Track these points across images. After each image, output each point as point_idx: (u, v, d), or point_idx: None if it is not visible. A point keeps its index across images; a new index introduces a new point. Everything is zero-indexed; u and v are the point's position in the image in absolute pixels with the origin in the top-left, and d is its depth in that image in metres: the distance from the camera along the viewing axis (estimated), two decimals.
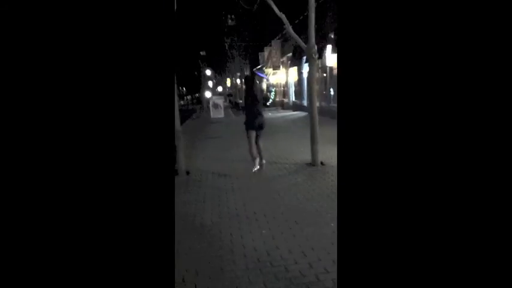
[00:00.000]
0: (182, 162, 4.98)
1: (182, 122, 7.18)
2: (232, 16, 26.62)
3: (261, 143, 4.96)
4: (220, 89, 36.42)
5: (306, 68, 16.25)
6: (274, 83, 22.01)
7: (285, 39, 18.51)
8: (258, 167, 4.94)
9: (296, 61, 16.31)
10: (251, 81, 4.92)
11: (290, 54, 17.44)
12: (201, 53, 25.01)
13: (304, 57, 14.48)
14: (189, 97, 44.03)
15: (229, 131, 10.25)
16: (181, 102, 29.56)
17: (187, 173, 5.01)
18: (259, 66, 24.33)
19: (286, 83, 19.51)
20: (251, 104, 4.73)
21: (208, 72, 32.16)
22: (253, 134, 4.76)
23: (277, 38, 19.74)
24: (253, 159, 4.89)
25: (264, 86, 23.17)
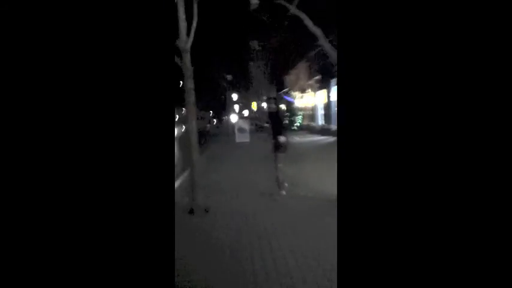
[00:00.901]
0: (199, 197, 4.35)
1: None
2: (258, 42, 26.76)
3: (281, 168, 4.84)
4: (246, 112, 36.41)
5: (335, 91, 15.61)
6: (301, 106, 21.45)
7: (312, 61, 18.06)
8: (283, 191, 4.85)
9: (325, 84, 15.73)
10: (274, 104, 5.17)
11: (318, 77, 16.91)
12: (227, 76, 25.02)
13: (334, 80, 13.87)
14: (215, 120, 44.43)
15: (255, 156, 9.68)
16: (208, 125, 29.49)
17: (206, 211, 4.33)
18: (285, 90, 23.99)
19: (314, 106, 18.89)
20: (278, 125, 4.82)
21: (234, 96, 32.27)
22: (275, 156, 4.80)
23: (304, 60, 19.38)
24: (279, 182, 4.88)
25: (283, 107, 22.62)
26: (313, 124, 18.89)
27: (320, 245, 3.03)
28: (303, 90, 20.16)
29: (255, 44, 26.52)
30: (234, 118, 21.58)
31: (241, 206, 4.54)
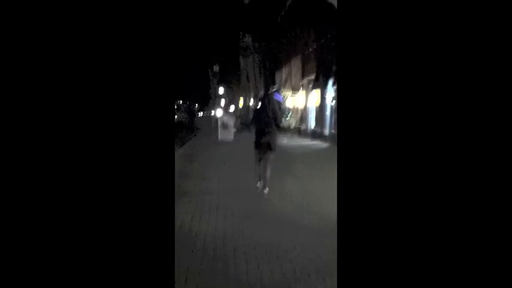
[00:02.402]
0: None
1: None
2: (248, 35, 25.37)
3: (269, 169, 4.50)
4: (232, 108, 34.90)
5: (331, 92, 14.35)
6: (291, 107, 20.16)
7: (308, 59, 16.79)
8: (260, 186, 4.58)
9: (319, 84, 14.46)
10: (269, 98, 4.56)
11: (312, 77, 15.64)
12: (214, 67, 23.33)
13: (331, 80, 12.60)
14: (200, 114, 42.62)
15: (239, 160, 8.26)
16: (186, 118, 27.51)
17: None
18: (275, 87, 22.67)
19: (305, 107, 17.62)
20: (263, 121, 4.43)
21: (221, 90, 30.74)
22: (256, 153, 4.58)
23: (298, 57, 18.10)
24: (256, 175, 4.69)
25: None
26: (303, 127, 17.63)
27: None
28: (294, 89, 18.86)
29: (248, 39, 25.19)
30: (219, 113, 20.01)
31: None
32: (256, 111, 4.67)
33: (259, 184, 4.60)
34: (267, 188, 4.50)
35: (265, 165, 4.48)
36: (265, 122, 4.41)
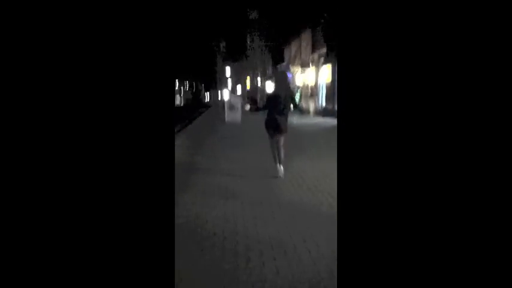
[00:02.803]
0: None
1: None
2: (255, 10, 24.14)
3: (282, 150, 4.31)
4: (239, 88, 34.00)
5: None
6: (301, 84, 19.28)
7: (318, 31, 15.76)
8: (280, 175, 4.28)
9: (331, 58, 13.54)
10: (282, 78, 4.57)
11: (323, 50, 14.68)
12: (221, 44, 22.33)
13: None
14: (207, 93, 41.78)
15: (249, 144, 7.67)
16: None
17: None
18: (283, 63, 21.68)
19: (316, 84, 16.75)
20: (274, 103, 4.21)
21: (227, 69, 29.81)
22: (268, 135, 4.37)
23: (308, 30, 17.04)
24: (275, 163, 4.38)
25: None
26: (314, 104, 16.84)
27: None
28: (304, 65, 17.91)
29: (254, 14, 23.97)
30: (226, 94, 19.27)
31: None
32: (268, 96, 4.67)
33: (279, 166, 4.32)
34: (282, 170, 4.30)
35: (278, 147, 4.25)
36: (279, 102, 4.14)
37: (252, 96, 26.08)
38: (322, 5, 14.14)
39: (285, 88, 4.31)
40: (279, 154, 4.28)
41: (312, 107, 17.01)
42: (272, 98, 4.33)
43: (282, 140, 4.26)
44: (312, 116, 15.58)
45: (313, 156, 5.96)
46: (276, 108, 4.14)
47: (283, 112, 4.19)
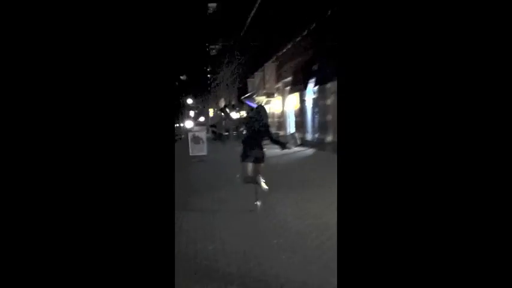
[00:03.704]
0: None
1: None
2: (216, 46, 24.04)
3: (261, 181, 4.07)
4: (202, 119, 33.14)
5: (310, 94, 13.18)
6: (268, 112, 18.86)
7: (281, 62, 15.65)
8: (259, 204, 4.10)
9: (297, 87, 13.25)
10: (263, 112, 4.24)
11: (288, 79, 14.44)
12: (181, 77, 21.57)
13: (313, 81, 11.39)
14: None
15: (221, 178, 6.70)
16: None
17: None
18: (248, 94, 21.31)
19: (283, 112, 16.38)
20: (254, 135, 4.10)
21: (189, 100, 29.04)
22: (247, 166, 4.06)
23: (271, 61, 16.92)
24: (254, 184, 4.12)
25: (237, 115, 20.29)
26: (281, 133, 16.35)
27: None
28: (269, 95, 17.60)
29: (215, 47, 23.88)
30: (189, 124, 18.29)
31: None
32: (247, 123, 4.33)
33: (258, 202, 4.17)
34: (259, 202, 4.17)
35: (257, 178, 4.12)
36: (255, 135, 4.10)
37: (214, 125, 25.38)
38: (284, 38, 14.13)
39: (264, 123, 4.15)
40: (258, 184, 4.12)
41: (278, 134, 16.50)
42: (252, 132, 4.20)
43: (261, 169, 4.16)
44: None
45: (296, 188, 5.15)
46: (257, 140, 4.10)
47: (262, 144, 4.15)
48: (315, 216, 3.83)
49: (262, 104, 19.96)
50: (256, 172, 4.11)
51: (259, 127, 4.05)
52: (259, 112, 4.15)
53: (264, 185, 4.10)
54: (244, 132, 4.39)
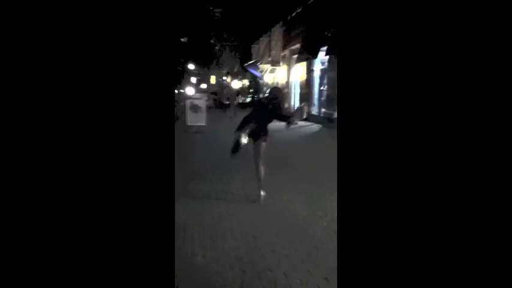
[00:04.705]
0: None
1: None
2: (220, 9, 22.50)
3: (261, 166, 3.61)
4: (204, 86, 32.03)
5: (318, 65, 12.24)
6: (270, 82, 17.93)
7: (290, 26, 14.49)
8: (262, 193, 3.64)
9: (305, 55, 12.25)
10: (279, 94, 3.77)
11: (296, 46, 13.40)
12: (182, 39, 20.23)
13: (324, 49, 10.41)
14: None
15: (222, 163, 6.06)
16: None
17: None
18: (251, 62, 20.22)
19: (288, 83, 15.46)
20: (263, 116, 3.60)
21: (191, 66, 27.86)
22: (241, 136, 3.56)
23: (278, 25, 15.73)
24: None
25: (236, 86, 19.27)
26: (286, 106, 15.54)
27: None
28: (274, 63, 16.57)
29: (219, 10, 22.38)
30: (190, 91, 17.31)
31: None
32: (252, 112, 3.79)
33: (262, 192, 3.68)
34: (263, 192, 3.66)
35: (257, 161, 3.63)
36: (264, 116, 3.61)
37: (215, 92, 24.31)
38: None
39: (277, 104, 3.67)
40: (257, 168, 3.67)
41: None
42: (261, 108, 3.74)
43: (262, 149, 3.67)
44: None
45: (301, 173, 4.51)
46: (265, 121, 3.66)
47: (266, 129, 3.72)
48: (322, 212, 3.21)
49: (262, 72, 18.93)
50: (258, 154, 3.61)
51: (272, 108, 3.59)
52: (276, 95, 3.69)
53: (262, 171, 3.65)
54: (246, 101, 3.81)
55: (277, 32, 15.87)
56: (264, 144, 3.59)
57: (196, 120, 10.26)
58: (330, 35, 9.71)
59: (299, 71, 13.86)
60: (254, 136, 3.57)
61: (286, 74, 15.55)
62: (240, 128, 3.55)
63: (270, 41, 17.04)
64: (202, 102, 10.67)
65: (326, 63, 11.17)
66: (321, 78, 11.91)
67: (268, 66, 17.16)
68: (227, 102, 18.88)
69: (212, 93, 27.26)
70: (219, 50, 24.15)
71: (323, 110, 11.56)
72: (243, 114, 3.92)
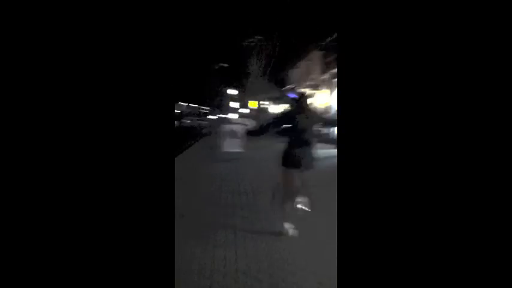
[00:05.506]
0: None
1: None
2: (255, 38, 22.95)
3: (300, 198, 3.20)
4: (246, 110, 32.33)
5: None
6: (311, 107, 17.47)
7: (329, 50, 14.15)
8: (300, 202, 3.22)
9: None
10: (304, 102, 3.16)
11: (335, 70, 12.94)
12: (223, 65, 20.56)
13: None
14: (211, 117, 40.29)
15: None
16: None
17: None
18: (290, 86, 20.02)
19: (330, 107, 14.90)
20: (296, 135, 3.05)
21: (232, 91, 28.36)
22: (288, 173, 3.01)
23: (317, 49, 15.48)
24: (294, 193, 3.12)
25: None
26: (324, 131, 14.90)
27: None
28: (314, 87, 16.19)
29: (254, 39, 22.79)
30: (233, 117, 17.21)
31: None
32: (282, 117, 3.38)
33: (287, 225, 3.15)
34: (293, 228, 3.13)
35: (294, 189, 3.11)
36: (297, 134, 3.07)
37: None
38: (330, 23, 12.63)
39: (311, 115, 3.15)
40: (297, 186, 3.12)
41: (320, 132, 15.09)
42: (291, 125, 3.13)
43: (301, 180, 3.14)
44: (319, 144, 13.61)
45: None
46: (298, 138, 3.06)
47: (310, 142, 3.11)
48: None
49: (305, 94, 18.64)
50: (291, 182, 3.09)
51: (302, 124, 3.03)
52: (301, 103, 3.12)
53: (301, 204, 3.18)
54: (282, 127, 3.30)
55: (316, 55, 15.59)
56: (303, 173, 2.98)
57: (232, 146, 9.98)
58: None
59: None
60: (289, 162, 3.00)
61: (328, 98, 15.03)
62: (284, 160, 3.02)
63: (308, 65, 16.78)
64: (240, 128, 10.39)
65: None
66: None
67: (307, 91, 16.81)
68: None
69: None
70: (256, 76, 24.36)
71: None
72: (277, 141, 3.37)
